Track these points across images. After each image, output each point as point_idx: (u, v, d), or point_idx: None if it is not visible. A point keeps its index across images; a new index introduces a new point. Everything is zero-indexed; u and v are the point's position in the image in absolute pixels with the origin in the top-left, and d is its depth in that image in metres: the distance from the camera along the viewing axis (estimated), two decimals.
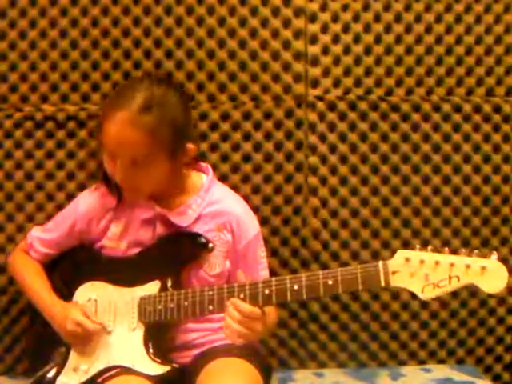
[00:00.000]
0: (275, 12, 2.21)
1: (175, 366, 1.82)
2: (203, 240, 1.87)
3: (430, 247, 1.63)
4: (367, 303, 2.30)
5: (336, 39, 2.23)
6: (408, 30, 2.24)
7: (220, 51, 2.21)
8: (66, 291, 1.94)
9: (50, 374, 1.88)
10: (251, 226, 1.95)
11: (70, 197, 2.14)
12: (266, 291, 1.72)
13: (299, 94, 2.24)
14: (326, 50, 2.23)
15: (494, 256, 1.58)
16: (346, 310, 2.31)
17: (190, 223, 1.90)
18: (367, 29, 2.24)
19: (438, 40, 2.25)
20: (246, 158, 2.25)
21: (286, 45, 2.22)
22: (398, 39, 2.24)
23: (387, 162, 2.28)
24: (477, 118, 2.29)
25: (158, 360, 1.81)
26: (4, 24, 2.19)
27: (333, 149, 2.26)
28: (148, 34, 2.20)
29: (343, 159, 2.27)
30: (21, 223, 2.23)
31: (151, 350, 1.82)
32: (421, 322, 2.32)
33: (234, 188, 2.11)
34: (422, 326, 2.33)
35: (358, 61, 2.24)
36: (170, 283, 1.85)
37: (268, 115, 2.24)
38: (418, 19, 2.24)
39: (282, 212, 2.27)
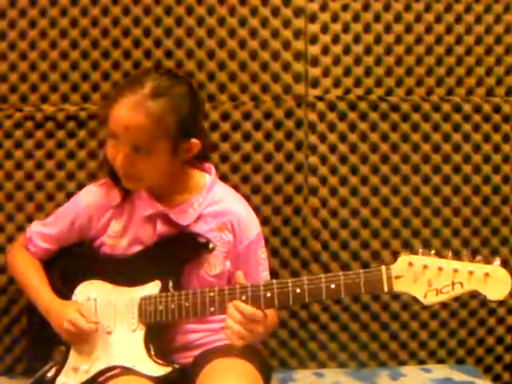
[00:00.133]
0: (275, 12, 2.21)
1: (176, 366, 1.82)
2: (204, 240, 1.86)
3: (433, 251, 1.63)
4: (367, 303, 2.30)
5: (336, 39, 2.23)
6: (408, 29, 2.24)
7: (220, 51, 2.22)
8: (65, 290, 1.94)
9: (50, 374, 1.88)
10: (252, 226, 1.95)
11: (70, 197, 2.13)
12: (268, 294, 1.72)
13: (299, 94, 2.24)
14: (325, 50, 2.23)
15: (497, 262, 1.58)
16: (346, 310, 2.31)
17: (191, 222, 1.89)
18: (367, 29, 2.24)
19: (438, 40, 2.25)
20: (246, 158, 2.25)
21: (286, 45, 2.22)
22: (398, 39, 2.24)
23: (387, 162, 2.28)
24: (477, 118, 2.29)
25: (160, 361, 1.81)
26: (4, 24, 2.19)
27: (333, 149, 2.26)
28: (148, 34, 2.21)
29: (343, 159, 2.27)
30: (21, 223, 2.23)
31: (152, 351, 1.82)
32: (421, 322, 2.32)
33: (234, 188, 2.10)
34: (421, 326, 2.33)
35: (357, 61, 2.24)
36: (171, 284, 1.84)
37: (268, 115, 2.24)
38: (418, 19, 2.24)
39: (282, 212, 2.27)
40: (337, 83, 2.24)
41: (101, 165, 2.19)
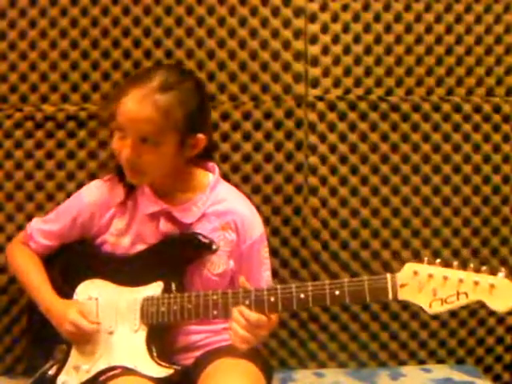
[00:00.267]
0: (275, 12, 2.21)
1: (178, 368, 1.82)
2: (207, 241, 1.86)
3: (438, 260, 1.63)
4: (367, 303, 2.30)
5: (336, 39, 2.23)
6: (408, 29, 2.24)
7: (220, 51, 2.22)
8: (66, 288, 1.93)
9: (51, 372, 1.88)
10: (256, 226, 1.95)
11: (70, 197, 2.14)
12: (272, 299, 1.73)
13: (299, 94, 2.24)
14: (325, 50, 2.23)
15: (501, 274, 1.58)
16: (346, 310, 2.31)
17: (194, 221, 1.89)
18: (367, 29, 2.24)
19: (438, 40, 2.25)
20: (246, 158, 2.25)
21: (286, 45, 2.22)
22: (398, 39, 2.24)
23: (387, 162, 2.28)
24: (477, 117, 2.29)
25: (162, 362, 1.81)
26: (4, 24, 2.19)
27: (333, 149, 2.26)
28: (148, 34, 2.21)
29: (343, 159, 2.27)
30: (21, 223, 2.22)
31: (154, 352, 1.82)
32: (421, 322, 2.32)
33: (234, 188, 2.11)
34: (421, 326, 2.33)
35: (357, 61, 2.24)
36: (174, 285, 1.84)
37: (268, 115, 2.24)
38: (418, 19, 2.24)
39: (282, 212, 2.27)
40: (337, 83, 2.25)
41: (102, 165, 2.20)
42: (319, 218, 2.27)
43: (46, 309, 1.91)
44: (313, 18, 2.22)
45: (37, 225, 2.03)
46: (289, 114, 2.24)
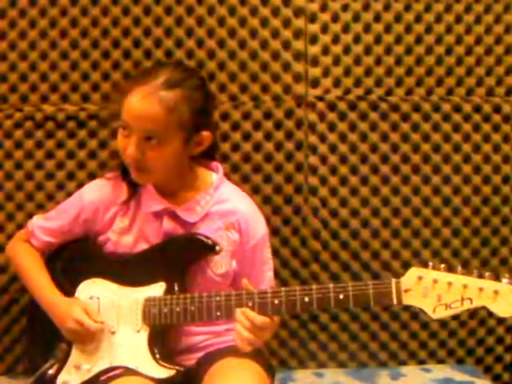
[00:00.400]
0: (275, 12, 2.21)
1: (180, 369, 1.81)
2: (210, 242, 1.85)
3: (442, 265, 1.64)
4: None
5: (336, 39, 2.23)
6: (408, 29, 2.24)
7: (220, 51, 2.22)
8: (67, 287, 1.92)
9: (51, 371, 1.87)
10: (259, 226, 1.95)
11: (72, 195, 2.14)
12: (276, 301, 1.73)
13: (299, 94, 2.24)
14: (325, 50, 2.23)
15: (506, 280, 1.59)
16: (347, 310, 2.30)
17: (198, 220, 1.89)
18: (367, 29, 2.24)
19: (438, 40, 2.25)
20: (246, 158, 2.25)
21: (286, 45, 2.22)
22: (398, 39, 2.24)
23: (387, 162, 2.28)
24: (477, 117, 2.29)
25: (164, 363, 1.81)
26: (4, 24, 2.19)
27: (333, 149, 2.26)
28: (148, 33, 2.21)
29: (343, 159, 2.27)
30: (21, 223, 2.22)
31: (157, 353, 1.82)
32: (421, 322, 2.32)
33: None
34: (421, 326, 2.33)
35: (357, 61, 2.24)
36: (176, 286, 1.84)
37: (268, 115, 2.24)
38: (418, 19, 2.24)
39: (282, 212, 2.27)
40: (337, 83, 2.24)
41: (102, 165, 2.20)
42: (319, 218, 2.27)
43: (48, 306, 1.90)
44: (313, 18, 2.22)
45: (38, 222, 2.02)
46: (289, 113, 2.24)
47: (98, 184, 1.98)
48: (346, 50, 2.24)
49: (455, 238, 2.31)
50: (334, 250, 2.28)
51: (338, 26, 2.23)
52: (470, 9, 2.25)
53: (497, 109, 2.29)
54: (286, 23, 2.22)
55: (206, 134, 1.85)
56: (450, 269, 1.63)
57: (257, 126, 2.24)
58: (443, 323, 2.32)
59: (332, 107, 2.25)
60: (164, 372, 1.80)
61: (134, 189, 1.91)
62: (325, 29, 2.23)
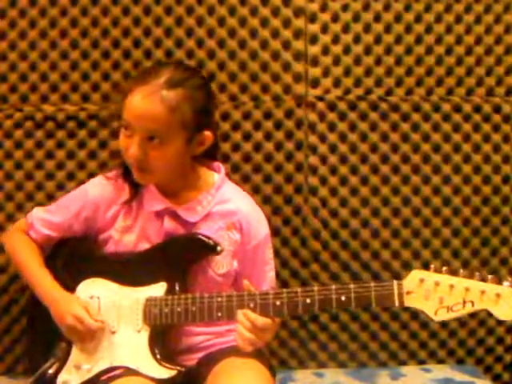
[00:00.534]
0: (275, 12, 2.21)
1: (181, 369, 1.81)
2: (211, 243, 1.85)
3: (444, 268, 1.64)
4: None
5: (336, 39, 2.23)
6: (408, 29, 2.24)
7: (220, 51, 2.22)
8: (67, 285, 1.90)
9: (51, 371, 1.87)
10: (261, 226, 1.94)
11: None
12: (277, 302, 1.73)
13: (299, 94, 2.24)
14: (326, 50, 2.23)
15: (507, 283, 1.59)
16: (347, 310, 2.30)
17: (199, 220, 1.89)
18: (367, 29, 2.24)
19: (438, 40, 2.25)
20: (246, 158, 2.25)
21: (286, 45, 2.22)
22: (398, 39, 2.24)
23: (387, 162, 2.28)
24: (477, 117, 2.29)
25: (165, 364, 1.80)
26: (4, 24, 2.19)
27: (333, 149, 2.26)
28: (148, 33, 2.21)
29: (343, 159, 2.27)
30: None
31: (157, 353, 1.81)
32: (421, 322, 2.32)
33: None
34: (422, 326, 2.33)
35: (357, 61, 2.24)
36: (177, 286, 1.84)
37: (268, 115, 2.24)
38: (418, 19, 2.24)
39: (282, 212, 2.27)
40: (337, 83, 2.25)
41: (102, 165, 2.20)
42: (319, 218, 2.27)
43: (48, 301, 1.89)
44: (313, 18, 2.22)
45: (38, 214, 2.01)
46: (289, 114, 2.24)
47: (101, 182, 1.96)
48: (346, 50, 2.24)
49: (455, 238, 2.31)
50: (334, 249, 2.28)
51: (338, 26, 2.23)
52: (469, 9, 2.25)
53: (497, 109, 2.29)
54: (286, 23, 2.22)
55: (207, 133, 1.85)
56: (452, 271, 1.63)
57: (257, 125, 2.24)
58: (443, 323, 2.32)
59: (332, 107, 2.25)
60: (165, 372, 1.79)
61: (136, 189, 1.91)
62: (325, 29, 2.23)
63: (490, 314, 2.34)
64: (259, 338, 1.73)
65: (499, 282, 1.60)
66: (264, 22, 2.22)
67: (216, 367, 1.83)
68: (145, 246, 1.90)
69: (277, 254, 2.24)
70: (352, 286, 1.69)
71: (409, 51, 2.25)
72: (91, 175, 2.20)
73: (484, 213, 2.31)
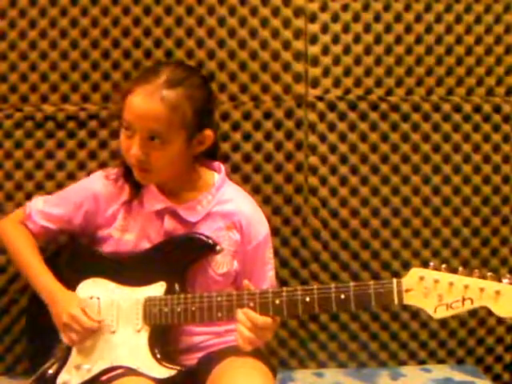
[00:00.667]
0: (275, 12, 2.21)
1: (181, 369, 1.81)
2: (211, 242, 1.85)
3: (444, 266, 1.64)
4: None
5: (336, 39, 2.23)
6: (408, 29, 2.24)
7: (220, 51, 2.22)
8: (67, 285, 1.90)
9: (51, 371, 1.87)
10: (261, 226, 1.94)
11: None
12: (277, 301, 1.73)
13: (299, 94, 2.24)
14: (326, 50, 2.23)
15: (506, 280, 1.59)
16: (347, 309, 2.30)
17: (199, 219, 1.89)
18: (367, 29, 2.24)
19: (438, 40, 2.25)
20: (246, 158, 2.25)
21: (286, 45, 2.22)
22: (398, 39, 2.24)
23: (387, 162, 2.28)
24: (477, 118, 2.29)
25: (165, 363, 1.80)
26: (4, 24, 2.19)
27: (333, 149, 2.26)
28: (148, 33, 2.21)
29: (343, 159, 2.27)
30: None
31: (157, 353, 1.81)
32: (421, 322, 2.32)
33: None
34: (422, 326, 2.33)
35: (358, 61, 2.24)
36: (177, 286, 1.83)
37: (268, 115, 2.24)
38: (418, 19, 2.24)
39: (282, 212, 2.27)
40: (337, 83, 2.25)
41: (102, 165, 2.20)
42: (319, 218, 2.27)
43: (48, 295, 1.88)
44: (313, 18, 2.22)
45: (37, 205, 1.99)
46: (289, 114, 2.24)
47: (102, 178, 1.96)
48: (346, 50, 2.24)
49: (455, 238, 2.31)
50: (334, 249, 2.28)
51: (338, 26, 2.23)
52: (469, 9, 2.25)
53: (497, 109, 2.29)
54: (286, 23, 2.22)
55: (208, 132, 1.85)
56: (452, 269, 1.63)
57: (257, 125, 2.24)
58: (443, 323, 2.32)
59: (332, 107, 2.25)
60: (165, 372, 1.79)
61: (137, 189, 1.91)
62: (325, 29, 2.23)
63: (490, 313, 2.36)
64: (259, 338, 1.73)
65: (498, 279, 1.60)
66: (264, 22, 2.22)
67: (216, 367, 1.83)
68: (145, 245, 1.90)
69: (277, 253, 2.24)
70: (351, 284, 1.69)
71: (409, 51, 2.25)
72: None
73: (484, 213, 2.31)
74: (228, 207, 1.91)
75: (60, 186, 2.22)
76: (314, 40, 2.22)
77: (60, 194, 2.01)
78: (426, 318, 2.31)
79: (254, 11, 2.21)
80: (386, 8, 2.23)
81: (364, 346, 2.33)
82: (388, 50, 2.25)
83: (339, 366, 2.33)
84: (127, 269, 1.89)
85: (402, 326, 2.33)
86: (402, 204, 2.29)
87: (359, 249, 2.29)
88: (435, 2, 2.24)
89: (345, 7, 2.23)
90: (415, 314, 2.30)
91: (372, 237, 2.29)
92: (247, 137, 2.25)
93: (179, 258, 1.87)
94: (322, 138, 2.26)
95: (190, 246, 1.87)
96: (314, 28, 2.22)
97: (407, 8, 2.24)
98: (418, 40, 2.25)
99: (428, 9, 2.24)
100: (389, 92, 2.26)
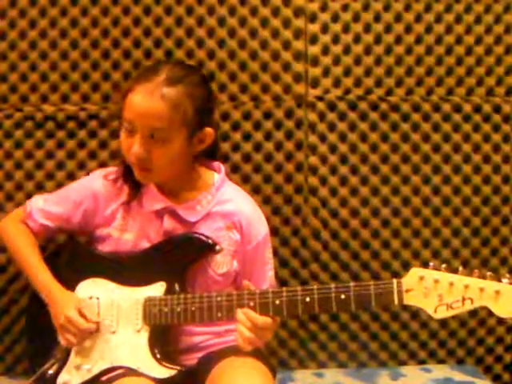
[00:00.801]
0: (275, 12, 2.21)
1: (181, 368, 1.81)
2: (210, 242, 1.85)
3: (443, 265, 1.64)
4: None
5: (336, 39, 2.23)
6: (408, 29, 2.24)
7: (220, 51, 2.22)
8: (66, 285, 1.90)
9: (51, 371, 1.87)
10: (261, 227, 1.94)
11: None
12: (277, 301, 1.73)
13: (299, 94, 2.24)
14: (326, 50, 2.23)
15: (506, 280, 1.60)
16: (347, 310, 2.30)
17: (199, 219, 1.89)
18: (367, 29, 2.24)
19: (438, 40, 2.25)
20: (246, 158, 2.25)
21: (286, 45, 2.22)
22: (398, 39, 2.24)
23: (387, 162, 2.28)
24: (477, 118, 2.29)
25: (165, 363, 1.80)
26: (4, 24, 2.19)
27: (333, 149, 2.26)
28: (148, 33, 2.21)
29: (343, 159, 2.27)
30: None
31: (157, 353, 1.81)
32: (421, 322, 2.32)
33: None
34: (422, 326, 2.33)
35: (358, 61, 2.24)
36: (177, 286, 1.83)
37: (268, 115, 2.24)
38: (418, 19, 2.24)
39: (282, 212, 2.27)
40: (337, 83, 2.25)
41: (102, 165, 2.20)
42: (319, 218, 2.27)
43: (49, 295, 1.88)
44: (313, 18, 2.22)
45: (37, 203, 2.00)
46: (289, 114, 2.24)
47: (102, 177, 1.96)
48: (346, 50, 2.24)
49: (455, 238, 2.31)
50: (334, 249, 2.28)
51: (338, 26, 2.23)
52: (469, 9, 2.25)
53: (497, 109, 2.29)
54: (286, 23, 2.22)
55: (208, 130, 1.85)
56: (452, 269, 1.63)
57: (257, 125, 2.24)
58: (443, 323, 2.32)
59: (332, 107, 2.25)
60: (165, 372, 1.79)
61: (136, 190, 1.91)
62: (325, 29, 2.23)
63: (490, 314, 2.36)
64: (259, 338, 1.73)
65: (498, 279, 1.60)
66: (264, 22, 2.22)
67: (216, 367, 1.83)
68: (144, 245, 1.90)
69: (276, 253, 2.25)
70: (351, 284, 1.69)
71: (409, 51, 2.25)
72: None
73: (484, 213, 2.31)
74: (228, 207, 1.91)
75: (60, 186, 2.22)
76: (313, 40, 2.22)
77: (60, 193, 2.01)
78: (426, 318, 2.31)
79: (253, 11, 2.21)
80: (386, 8, 2.23)
81: (364, 346, 2.33)
82: (388, 50, 2.25)
83: (339, 366, 2.33)
84: (127, 269, 1.89)
85: (401, 325, 2.33)
86: (401, 204, 2.29)
87: (359, 249, 2.29)
88: (435, 2, 2.24)
89: (345, 7, 2.23)
90: (415, 313, 2.31)
91: (372, 237, 2.29)
92: (247, 137, 2.25)
93: (179, 257, 1.87)
94: (322, 138, 2.26)
95: (190, 246, 1.87)
96: (314, 28, 2.22)
97: (407, 8, 2.24)
98: (418, 40, 2.25)
99: (428, 9, 2.24)
100: (389, 92, 2.26)
